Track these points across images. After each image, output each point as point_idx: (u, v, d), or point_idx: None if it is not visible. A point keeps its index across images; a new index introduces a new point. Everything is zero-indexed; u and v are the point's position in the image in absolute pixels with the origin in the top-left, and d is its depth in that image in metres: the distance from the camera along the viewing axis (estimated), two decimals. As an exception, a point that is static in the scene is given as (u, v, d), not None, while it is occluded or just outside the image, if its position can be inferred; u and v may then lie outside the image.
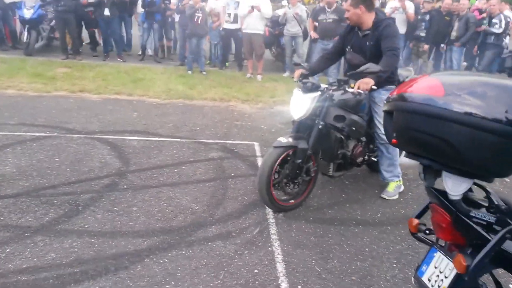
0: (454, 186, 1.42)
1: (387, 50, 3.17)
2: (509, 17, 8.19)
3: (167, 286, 2.48)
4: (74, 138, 4.74)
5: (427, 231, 1.73)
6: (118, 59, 9.25)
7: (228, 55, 9.50)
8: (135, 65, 8.84)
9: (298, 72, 3.58)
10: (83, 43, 10.33)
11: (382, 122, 3.13)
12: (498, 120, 1.28)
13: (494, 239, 1.33)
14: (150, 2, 8.92)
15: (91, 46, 9.82)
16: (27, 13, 8.80)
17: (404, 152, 3.37)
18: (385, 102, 1.63)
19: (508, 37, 8.48)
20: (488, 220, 1.43)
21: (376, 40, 3.29)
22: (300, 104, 3.27)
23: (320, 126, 3.26)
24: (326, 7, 7.43)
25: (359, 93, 3.21)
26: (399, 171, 3.74)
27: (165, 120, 5.61)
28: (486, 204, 1.50)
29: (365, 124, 3.57)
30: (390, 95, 1.61)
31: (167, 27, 9.54)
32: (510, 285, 2.55)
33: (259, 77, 8.42)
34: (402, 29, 8.44)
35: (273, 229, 3.14)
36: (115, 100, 6.45)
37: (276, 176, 3.23)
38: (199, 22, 8.04)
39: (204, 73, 8.46)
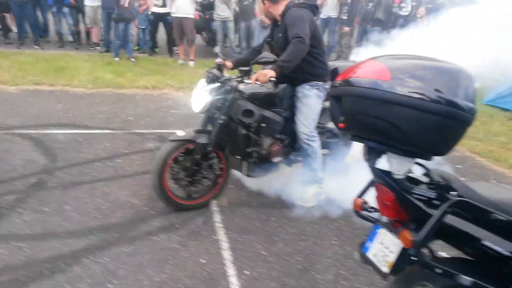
0: (399, 166, 1.49)
1: (291, 38, 2.89)
2: (415, 2, 8.73)
3: (110, 286, 2.36)
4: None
5: (371, 209, 1.80)
6: (35, 46, 8.49)
7: (157, 40, 9.13)
8: (56, 53, 8.19)
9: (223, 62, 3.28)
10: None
11: (307, 119, 3.16)
12: (438, 101, 1.35)
13: (437, 213, 1.41)
14: (57, -16, 8.26)
15: (2, 33, 8.90)
16: None
17: None
18: (331, 87, 1.64)
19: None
20: (429, 196, 1.52)
21: (284, 30, 3.04)
22: (199, 96, 3.05)
23: (221, 121, 3.00)
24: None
25: (262, 85, 2.97)
26: (321, 176, 3.35)
27: (94, 111, 5.28)
28: (427, 181, 1.59)
29: (282, 121, 3.34)
30: (335, 80, 1.62)
31: (82, 11, 8.90)
32: (440, 252, 2.76)
33: (191, 63, 8.23)
34: (334, 13, 8.75)
35: (217, 218, 3.12)
36: (35, 91, 5.93)
37: (174, 171, 3.03)
38: (126, 5, 7.61)
39: (132, 59, 8.07)
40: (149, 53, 8.83)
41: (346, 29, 8.77)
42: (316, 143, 3.26)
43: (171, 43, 8.89)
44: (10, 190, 3.27)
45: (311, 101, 3.20)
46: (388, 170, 1.58)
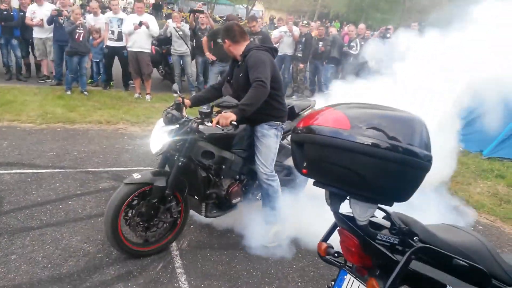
0: (362, 212, 1.51)
1: (253, 81, 2.91)
2: (363, 41, 9.27)
3: None
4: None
5: (336, 254, 1.81)
6: (-20, 79, 8.07)
7: (112, 74, 8.96)
8: (3, 86, 7.79)
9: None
10: None
11: (266, 159, 3.20)
12: (395, 149, 1.40)
13: (401, 260, 1.44)
14: (6, 16, 7.98)
15: None
16: None
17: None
18: (292, 133, 1.66)
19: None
20: (392, 242, 1.55)
21: (245, 71, 3.05)
22: (158, 137, 2.96)
23: (180, 163, 2.91)
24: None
25: (222, 128, 2.88)
26: (281, 214, 3.32)
27: (43, 148, 5.02)
28: (388, 226, 1.62)
29: (242, 161, 3.31)
30: (297, 126, 1.65)
31: (31, 43, 8.62)
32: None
33: (148, 97, 8.12)
34: (290, 50, 9.09)
35: (177, 262, 3.00)
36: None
37: (129, 217, 2.89)
38: (80, 39, 7.46)
39: (86, 93, 7.83)
40: (104, 87, 8.62)
41: (301, 65, 9.10)
42: (276, 183, 3.26)
43: (126, 77, 8.76)
44: None
45: (270, 141, 3.22)
46: (351, 215, 1.61)
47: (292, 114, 3.71)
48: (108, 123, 6.40)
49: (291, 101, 3.93)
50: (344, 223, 1.61)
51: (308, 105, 3.90)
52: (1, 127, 5.69)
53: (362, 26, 9.65)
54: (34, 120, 6.05)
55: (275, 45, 8.80)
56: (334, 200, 1.64)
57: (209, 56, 7.67)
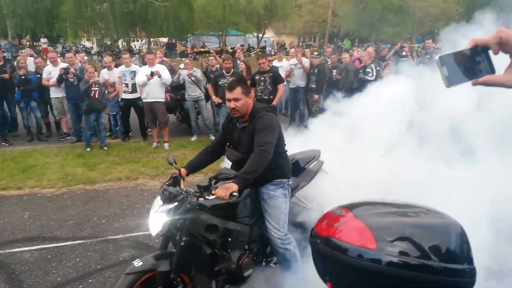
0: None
1: (256, 146, 2.77)
2: (379, 67, 9.06)
3: None
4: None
5: None
6: (3, 143, 8.25)
7: (129, 125, 9.03)
8: (24, 149, 7.94)
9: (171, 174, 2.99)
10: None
11: (277, 222, 2.93)
12: (431, 270, 1.19)
13: None
14: (24, 80, 8.22)
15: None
16: None
17: None
18: (310, 237, 1.47)
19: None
20: None
21: (252, 133, 2.88)
22: (156, 218, 2.70)
23: (182, 243, 2.73)
24: (224, 72, 7.53)
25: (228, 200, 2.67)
26: (304, 279, 2.98)
27: (64, 216, 4.97)
28: None
29: (249, 230, 3.02)
30: (316, 232, 1.46)
31: (49, 103, 8.81)
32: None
33: (166, 145, 8.10)
34: (302, 82, 8.96)
35: None
36: (2, 198, 5.61)
37: None
38: (96, 96, 7.55)
39: (105, 148, 7.88)
40: (122, 138, 8.68)
41: (316, 96, 8.94)
42: (292, 245, 3.00)
43: (143, 126, 8.80)
44: None
45: (279, 202, 2.99)
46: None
47: (297, 169, 3.45)
48: (127, 179, 6.36)
49: (295, 155, 3.56)
50: None
51: (313, 157, 3.63)
52: (23, 195, 5.72)
53: (371, 49, 9.46)
54: (55, 184, 6.07)
55: (287, 79, 8.79)
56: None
57: (215, 99, 7.65)
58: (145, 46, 31.07)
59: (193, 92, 8.31)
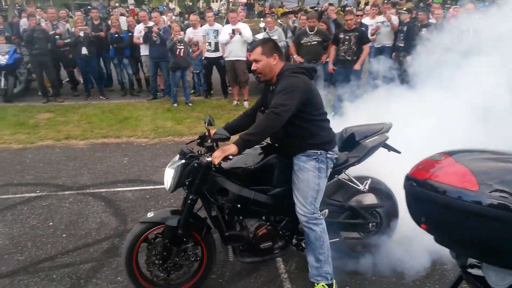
0: (498, 278, 1.35)
1: (269, 108, 2.53)
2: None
3: None
4: (65, 195, 4.57)
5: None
6: (101, 96, 9.08)
7: (211, 83, 9.41)
8: (119, 102, 8.69)
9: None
10: (63, 82, 10.13)
11: (304, 197, 2.65)
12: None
13: None
14: (117, 38, 8.82)
15: (71, 86, 9.64)
16: (2, 59, 8.59)
17: None
18: (405, 182, 1.55)
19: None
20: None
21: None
22: (167, 172, 2.72)
23: (190, 201, 2.70)
24: (307, 30, 7.45)
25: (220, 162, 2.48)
26: (329, 270, 2.75)
27: (157, 163, 5.47)
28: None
29: (266, 199, 2.79)
30: (410, 175, 1.53)
31: (140, 60, 9.41)
32: None
33: (246, 103, 8.36)
34: (389, 41, 8.56)
35: (287, 286, 3.03)
36: (102, 145, 6.29)
37: (146, 256, 2.82)
38: (181, 54, 7.94)
39: (190, 104, 8.35)
40: (205, 96, 9.11)
41: (409, 57, 8.48)
42: (319, 227, 2.70)
43: (225, 84, 9.13)
44: (86, 258, 3.42)
45: (309, 175, 2.68)
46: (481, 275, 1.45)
47: (351, 142, 3.08)
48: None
49: (354, 127, 3.18)
50: (474, 283, 1.46)
51: (376, 131, 3.15)
52: (121, 143, 6.35)
53: (470, 6, 8.65)
54: (148, 135, 6.64)
55: (372, 37, 8.42)
56: (460, 256, 1.50)
57: (297, 58, 7.61)
58: (223, 6, 31.33)
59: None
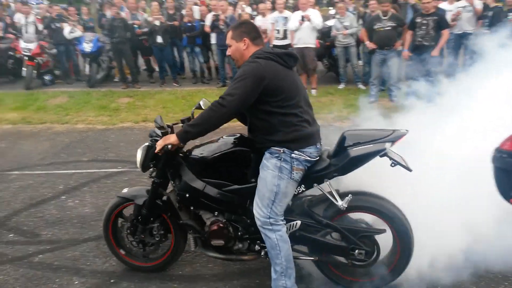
0: None
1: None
2: None
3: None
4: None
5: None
6: (174, 83, 9.52)
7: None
8: (190, 89, 9.06)
9: None
10: (140, 70, 10.75)
11: (261, 198, 2.37)
12: None
13: None
14: (190, 27, 9.14)
15: (148, 73, 10.20)
16: (87, 47, 9.30)
17: None
18: (495, 154, 1.48)
19: None
20: None
21: None
22: (137, 154, 2.71)
23: (153, 184, 2.72)
24: (381, 14, 7.18)
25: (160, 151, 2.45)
26: (287, 284, 2.45)
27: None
28: None
29: (217, 194, 2.59)
30: (501, 148, 1.46)
31: (210, 49, 9.68)
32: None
33: (313, 91, 8.30)
34: (471, 27, 7.97)
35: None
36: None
37: (121, 229, 2.97)
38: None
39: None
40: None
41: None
42: (276, 235, 2.39)
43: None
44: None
45: (267, 174, 2.38)
46: None
47: (339, 148, 2.51)
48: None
49: (353, 130, 2.62)
50: None
51: (377, 137, 2.48)
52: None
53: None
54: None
55: (452, 23, 7.86)
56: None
57: (369, 45, 7.35)
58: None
59: (344, 39, 8.20)
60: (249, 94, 2.26)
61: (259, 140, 2.45)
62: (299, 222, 2.51)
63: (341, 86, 8.61)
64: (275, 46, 8.59)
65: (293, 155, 2.36)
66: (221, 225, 2.60)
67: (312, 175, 2.46)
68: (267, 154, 2.41)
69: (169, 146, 2.40)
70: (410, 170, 2.42)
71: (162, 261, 2.98)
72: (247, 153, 2.56)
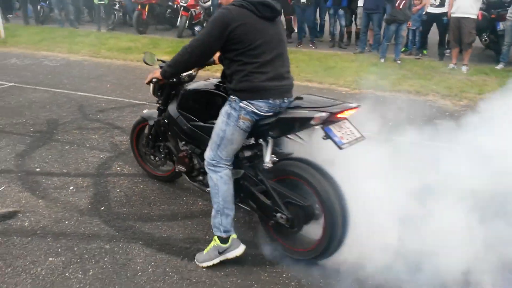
0: None
1: None
2: None
3: None
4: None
5: None
6: (310, 45, 9.40)
7: (427, 42, 8.58)
8: (326, 52, 8.85)
9: None
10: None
11: (212, 141, 2.44)
12: None
13: None
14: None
15: (286, 33, 10.25)
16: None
17: None
18: None
19: None
20: None
21: None
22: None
23: (158, 110, 3.16)
24: None
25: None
26: (222, 222, 2.47)
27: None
28: None
29: (187, 129, 2.81)
30: None
31: (355, 12, 9.19)
32: None
33: (464, 68, 7.36)
34: None
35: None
36: (305, 87, 6.54)
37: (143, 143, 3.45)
38: (401, 6, 7.43)
39: (398, 62, 7.86)
40: (416, 54, 8.41)
41: None
42: (216, 175, 2.47)
43: (442, 46, 8.20)
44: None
45: (219, 119, 2.46)
46: None
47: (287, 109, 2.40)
48: (417, 94, 6.23)
49: (308, 95, 2.49)
50: None
51: (317, 105, 2.28)
52: (322, 88, 6.50)
53: None
54: (349, 85, 6.60)
55: None
56: None
57: None
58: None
59: (515, 11, 7.02)
60: (212, 40, 2.30)
61: (227, 86, 2.52)
62: (242, 171, 2.61)
63: (500, 66, 7.46)
64: (428, 13, 7.80)
65: (241, 104, 2.36)
66: (185, 154, 2.91)
67: (258, 129, 2.44)
68: (226, 101, 2.49)
69: (154, 80, 2.75)
70: (340, 148, 2.16)
71: (170, 174, 3.42)
72: (219, 96, 2.65)
